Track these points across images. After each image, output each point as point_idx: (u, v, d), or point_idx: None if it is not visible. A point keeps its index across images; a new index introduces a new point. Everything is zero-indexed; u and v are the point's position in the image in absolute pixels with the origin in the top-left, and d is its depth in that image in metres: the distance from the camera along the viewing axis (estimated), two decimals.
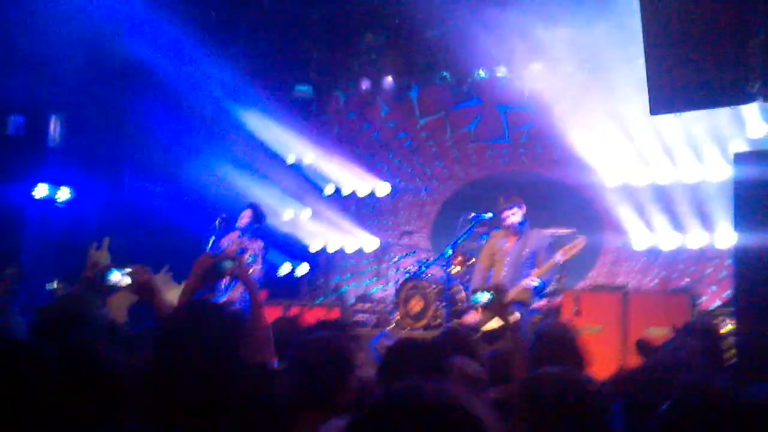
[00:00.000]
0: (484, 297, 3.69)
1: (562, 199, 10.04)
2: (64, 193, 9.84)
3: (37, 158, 9.83)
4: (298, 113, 11.77)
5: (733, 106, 7.80)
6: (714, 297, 9.04)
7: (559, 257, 6.36)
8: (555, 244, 6.78)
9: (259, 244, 7.53)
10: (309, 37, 10.93)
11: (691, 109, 7.20)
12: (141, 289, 3.29)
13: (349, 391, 2.53)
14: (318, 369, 2.52)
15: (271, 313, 7.60)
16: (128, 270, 3.49)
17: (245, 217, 7.59)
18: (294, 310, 8.90)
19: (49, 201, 9.77)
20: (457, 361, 3.05)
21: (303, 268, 11.68)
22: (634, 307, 7.46)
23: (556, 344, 3.69)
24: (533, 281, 6.33)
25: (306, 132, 11.79)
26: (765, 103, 7.05)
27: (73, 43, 9.42)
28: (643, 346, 4.80)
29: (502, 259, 6.63)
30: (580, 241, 6.41)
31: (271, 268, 8.50)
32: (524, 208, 6.66)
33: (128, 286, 3.42)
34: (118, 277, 3.53)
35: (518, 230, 6.63)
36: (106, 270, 3.68)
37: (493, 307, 3.74)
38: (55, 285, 5.52)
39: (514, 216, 6.60)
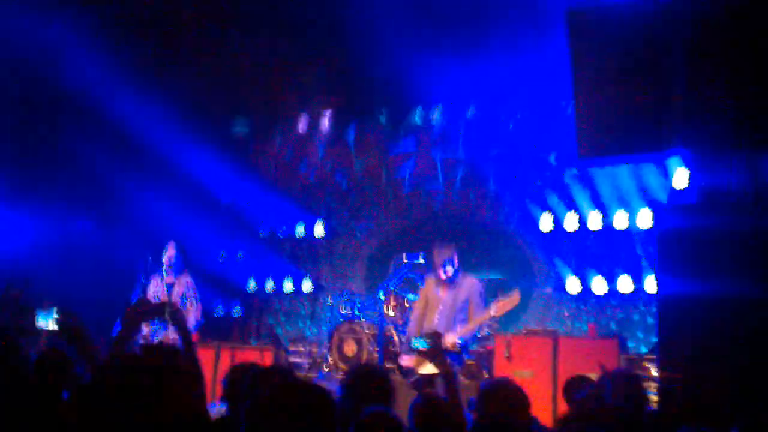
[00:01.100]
0: (420, 343, 3.74)
1: (496, 243, 10.23)
2: None
3: None
4: (235, 152, 11.74)
5: (656, 154, 8.08)
6: (641, 343, 9.28)
7: (493, 311, 6.46)
8: (488, 289, 6.89)
9: (186, 278, 7.41)
10: (247, 73, 10.91)
11: (616, 153, 7.43)
12: (70, 335, 3.24)
13: None
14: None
15: (204, 355, 7.54)
16: (55, 315, 3.44)
17: (170, 249, 7.45)
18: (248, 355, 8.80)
19: None
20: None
21: (236, 309, 11.58)
22: (564, 352, 7.62)
23: (502, 396, 3.76)
24: (457, 339, 6.39)
25: (242, 171, 11.75)
26: (686, 163, 7.36)
27: (3, 72, 9.27)
28: (567, 390, 4.91)
29: (436, 306, 6.69)
30: (516, 297, 6.51)
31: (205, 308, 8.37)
32: (456, 258, 6.74)
33: (57, 331, 3.37)
34: (46, 323, 3.47)
35: (452, 279, 6.71)
36: (34, 314, 3.62)
37: (430, 354, 3.79)
38: None
39: (449, 270, 6.68)
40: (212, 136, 11.35)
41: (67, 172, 10.35)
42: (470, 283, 6.70)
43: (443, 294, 6.69)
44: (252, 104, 11.53)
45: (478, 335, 8.07)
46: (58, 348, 3.82)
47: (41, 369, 3.70)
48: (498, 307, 6.43)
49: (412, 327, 6.86)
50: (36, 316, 3.60)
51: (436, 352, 3.76)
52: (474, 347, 8.57)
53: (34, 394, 2.27)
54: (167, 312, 3.57)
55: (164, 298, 7.12)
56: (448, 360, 5.40)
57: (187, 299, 7.24)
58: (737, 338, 5.59)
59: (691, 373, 5.63)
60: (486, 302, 6.59)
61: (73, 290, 8.51)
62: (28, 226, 9.99)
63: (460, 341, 6.38)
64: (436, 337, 3.84)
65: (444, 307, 6.63)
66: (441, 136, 11.02)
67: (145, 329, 6.84)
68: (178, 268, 7.39)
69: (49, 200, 10.34)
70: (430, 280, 6.90)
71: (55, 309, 3.50)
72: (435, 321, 6.59)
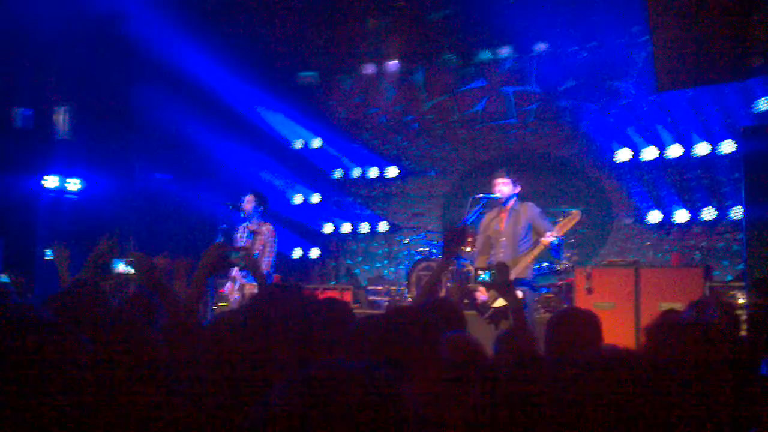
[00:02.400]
0: (486, 276, 3.70)
1: (572, 177, 10.05)
2: (74, 184, 9.89)
3: (45, 150, 9.88)
4: (304, 99, 11.77)
5: (737, 81, 7.77)
6: (726, 271, 9.03)
7: (556, 232, 6.35)
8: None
9: (268, 227, 7.59)
10: (312, 23, 10.90)
11: (696, 84, 7.19)
12: (147, 278, 3.29)
13: None
14: None
15: None
16: (129, 258, 3.51)
17: (249, 203, 7.64)
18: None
19: (59, 192, 9.83)
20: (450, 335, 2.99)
21: (314, 252, 11.77)
22: (645, 283, 7.46)
23: (574, 326, 3.71)
24: (550, 238, 6.33)
25: (312, 117, 11.80)
26: None
27: (74, 30, 9.44)
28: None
29: (498, 238, 6.63)
30: (575, 214, 6.41)
31: (283, 252, 8.54)
32: (518, 187, 6.65)
33: (134, 275, 3.44)
34: (123, 267, 3.55)
35: (508, 204, 6.62)
36: (111, 260, 3.71)
37: (497, 286, 3.75)
38: (6, 278, 5.36)
39: (505, 186, 6.59)
40: (282, 85, 11.43)
41: (142, 127, 10.58)
42: (526, 208, 6.60)
43: (503, 225, 6.61)
44: (320, 52, 11.49)
45: (557, 268, 7.99)
46: (143, 293, 3.91)
47: (126, 312, 3.81)
48: (558, 227, 6.34)
49: (477, 261, 6.83)
50: (113, 263, 3.70)
51: (502, 284, 3.70)
52: (554, 280, 8.51)
53: (120, 335, 2.33)
54: (240, 257, 3.61)
55: (247, 245, 7.34)
56: (520, 291, 5.38)
57: (265, 247, 7.44)
58: None
59: None
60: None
61: (157, 242, 8.77)
62: (110, 183, 10.28)
63: (555, 240, 6.32)
64: (502, 268, 3.77)
65: (506, 238, 6.56)
66: (512, 71, 10.79)
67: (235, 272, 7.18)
68: (258, 217, 7.56)
69: (127, 156, 10.62)
70: (488, 214, 6.82)
71: (129, 253, 3.59)
72: (500, 253, 6.53)
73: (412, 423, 1.22)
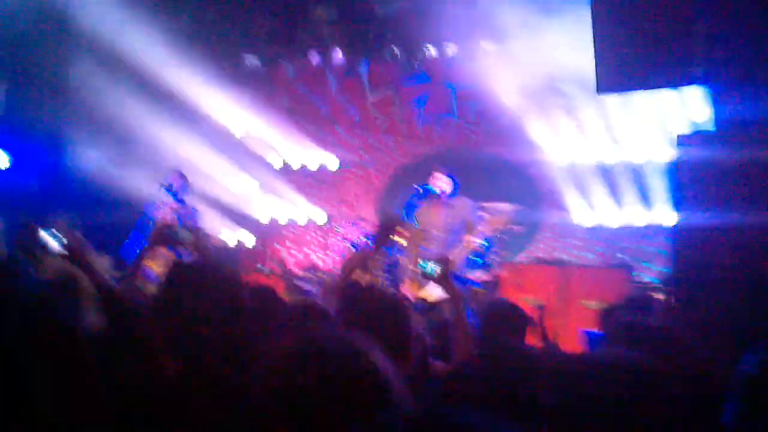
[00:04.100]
0: (431, 268, 3.67)
1: (508, 176, 10.15)
2: (2, 159, 9.61)
3: None
4: (246, 85, 11.64)
5: (677, 89, 7.93)
6: (649, 272, 9.26)
7: (484, 229, 6.43)
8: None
9: (191, 210, 7.47)
10: (258, 8, 10.77)
11: (636, 88, 7.29)
12: (73, 257, 3.23)
13: None
14: None
15: None
16: (54, 229, 3.43)
17: (175, 182, 7.50)
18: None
19: None
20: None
21: (249, 239, 11.66)
22: (573, 281, 7.57)
23: (506, 318, 3.75)
24: (479, 239, 6.38)
25: (254, 104, 11.67)
26: (707, 95, 7.20)
27: (11, 3, 9.17)
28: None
29: (431, 231, 6.66)
30: (506, 215, 6.49)
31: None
32: (456, 185, 6.70)
33: (63, 254, 3.36)
34: (52, 242, 3.47)
35: (446, 200, 6.66)
36: (38, 233, 3.60)
37: (440, 279, 3.75)
38: None
39: (444, 183, 6.64)
40: (225, 69, 11.25)
41: (77, 106, 10.32)
42: (463, 205, 6.64)
43: (438, 218, 6.65)
44: (264, 38, 11.35)
45: (485, 261, 8.04)
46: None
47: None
48: (491, 224, 6.41)
49: (423, 254, 6.84)
50: (39, 236, 3.61)
51: (445, 276, 3.70)
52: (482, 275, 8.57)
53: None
54: (190, 235, 3.55)
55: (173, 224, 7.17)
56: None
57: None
58: (755, 268, 5.53)
59: (705, 302, 5.57)
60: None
61: (84, 218, 8.54)
62: (40, 161, 10.01)
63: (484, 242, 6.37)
64: (443, 261, 3.77)
65: (439, 231, 6.60)
66: (455, 69, 10.84)
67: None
68: (183, 196, 7.46)
69: (59, 135, 10.35)
70: (424, 206, 6.84)
71: (55, 223, 3.50)
72: (432, 246, 6.56)
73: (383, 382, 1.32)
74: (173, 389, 2.05)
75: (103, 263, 3.86)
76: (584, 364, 1.50)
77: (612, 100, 9.38)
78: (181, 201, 7.46)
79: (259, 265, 11.12)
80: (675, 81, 6.82)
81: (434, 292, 6.05)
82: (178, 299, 2.22)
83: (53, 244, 3.46)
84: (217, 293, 2.24)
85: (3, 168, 9.65)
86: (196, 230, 3.80)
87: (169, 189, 7.50)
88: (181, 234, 3.43)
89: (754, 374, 1.98)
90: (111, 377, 2.01)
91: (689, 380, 2.02)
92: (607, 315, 4.77)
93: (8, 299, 2.86)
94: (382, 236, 3.84)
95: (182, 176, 7.57)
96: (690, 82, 6.85)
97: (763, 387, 1.96)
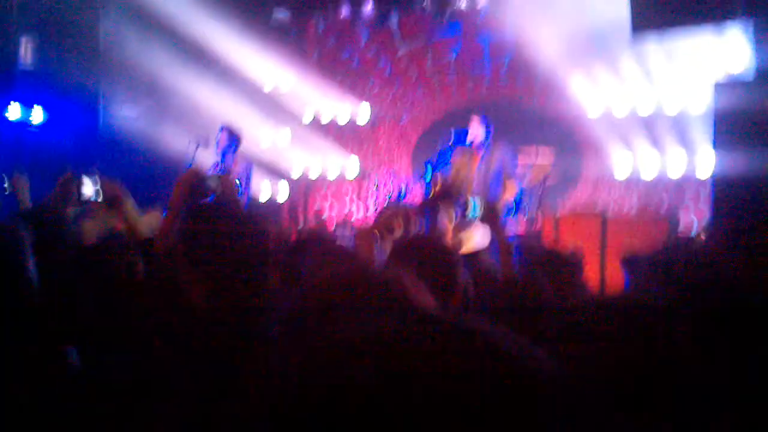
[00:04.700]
0: (478, 211, 3.64)
1: (543, 128, 10.01)
2: (37, 115, 9.64)
3: (7, 79, 9.59)
4: (276, 39, 11.55)
5: (717, 26, 7.70)
6: (691, 225, 9.15)
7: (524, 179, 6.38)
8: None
9: (242, 165, 7.45)
10: None
11: (673, 26, 7.08)
12: (113, 203, 3.24)
13: None
14: None
15: None
16: (98, 182, 3.43)
17: (222, 140, 7.48)
18: None
19: (23, 124, 9.58)
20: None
21: (283, 194, 11.67)
22: (613, 232, 7.50)
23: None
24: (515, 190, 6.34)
25: (284, 58, 11.59)
26: (747, 35, 6.99)
27: None
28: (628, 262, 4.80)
29: (470, 180, 6.60)
30: (546, 154, 6.42)
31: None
32: (491, 134, 6.63)
33: (101, 202, 3.37)
34: (91, 190, 3.48)
35: (480, 149, 6.59)
36: (81, 183, 3.61)
37: (488, 220, 3.71)
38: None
39: (480, 129, 6.57)
40: (254, 23, 11.16)
41: (110, 62, 10.33)
42: (500, 151, 6.58)
43: (474, 165, 6.59)
44: None
45: (524, 211, 7.99)
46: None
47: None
48: (530, 171, 6.37)
49: (446, 204, 6.81)
50: (82, 187, 3.62)
51: (494, 218, 3.66)
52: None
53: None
54: (217, 183, 3.52)
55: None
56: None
57: (240, 185, 7.30)
58: None
59: (743, 249, 5.49)
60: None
61: (122, 175, 8.57)
62: (74, 117, 10.04)
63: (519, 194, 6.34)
64: (490, 205, 3.73)
65: (477, 180, 6.54)
66: (487, 20, 10.67)
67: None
68: (232, 155, 7.43)
69: (92, 90, 10.36)
70: (461, 153, 6.78)
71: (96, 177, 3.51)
72: (468, 192, 6.51)
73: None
74: (204, 320, 2.11)
75: (151, 219, 3.86)
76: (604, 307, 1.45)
77: (649, 48, 9.17)
78: (223, 157, 7.43)
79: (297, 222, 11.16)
80: (714, 16, 6.61)
81: (470, 243, 6.02)
82: (199, 234, 2.27)
83: (92, 191, 3.48)
84: (238, 228, 2.27)
85: (38, 123, 9.68)
86: (224, 177, 3.77)
87: (203, 144, 7.49)
88: (209, 182, 3.40)
89: None
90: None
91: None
92: (631, 261, 4.72)
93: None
94: (434, 202, 3.80)
95: (230, 133, 7.52)
96: (731, 17, 6.64)
97: None
